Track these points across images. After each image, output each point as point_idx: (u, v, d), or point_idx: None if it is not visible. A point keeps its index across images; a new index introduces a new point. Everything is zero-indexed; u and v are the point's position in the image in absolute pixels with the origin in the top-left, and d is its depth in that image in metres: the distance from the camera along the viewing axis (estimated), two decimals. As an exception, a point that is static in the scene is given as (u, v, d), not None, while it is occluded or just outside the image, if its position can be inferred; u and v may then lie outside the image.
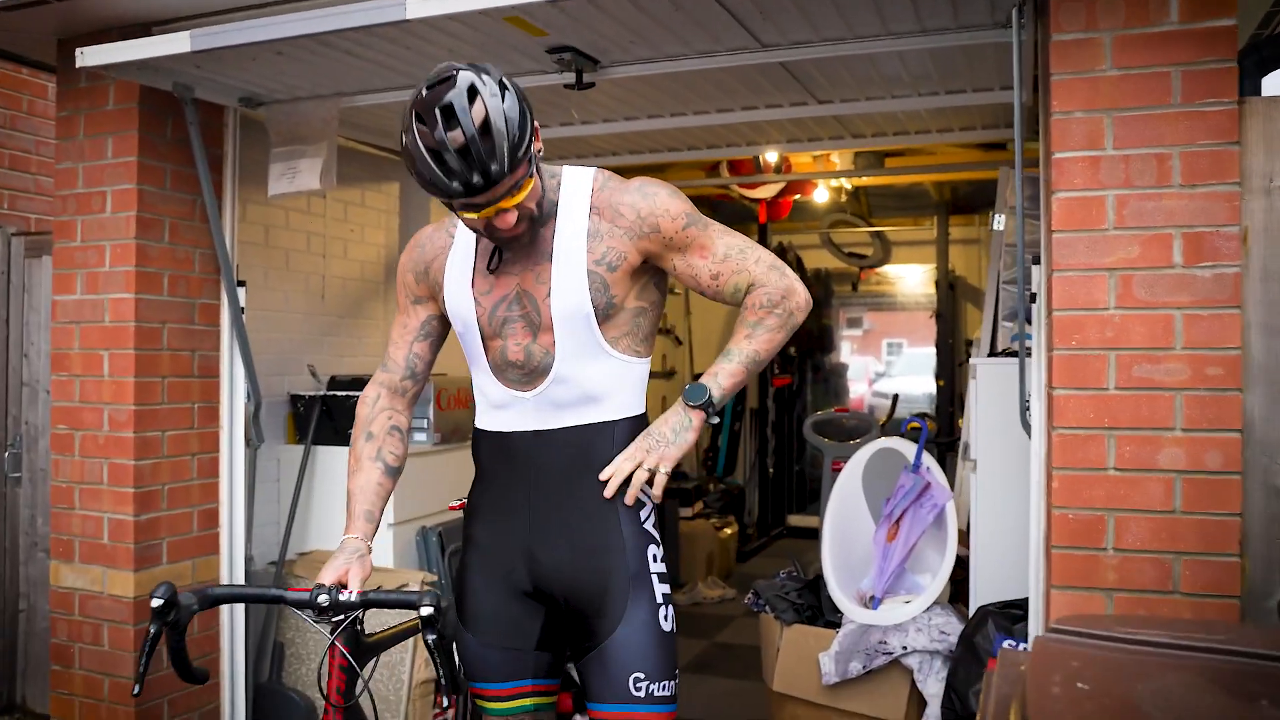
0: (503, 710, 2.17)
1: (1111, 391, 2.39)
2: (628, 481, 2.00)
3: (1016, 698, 1.10)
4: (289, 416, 4.21)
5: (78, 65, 2.81)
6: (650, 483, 2.01)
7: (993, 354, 3.79)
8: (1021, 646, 2.81)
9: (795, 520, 8.75)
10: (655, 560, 2.08)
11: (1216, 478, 2.34)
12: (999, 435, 3.24)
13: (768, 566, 5.90)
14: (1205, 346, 2.34)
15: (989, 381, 3.31)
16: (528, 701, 2.18)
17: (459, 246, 2.12)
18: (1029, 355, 2.74)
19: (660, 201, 2.01)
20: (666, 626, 2.05)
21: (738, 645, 5.48)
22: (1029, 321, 2.77)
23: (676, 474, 7.80)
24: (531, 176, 1.89)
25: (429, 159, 1.80)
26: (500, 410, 2.10)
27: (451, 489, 2.18)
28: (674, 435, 2.01)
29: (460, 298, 2.08)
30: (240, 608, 3.57)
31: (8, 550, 4.38)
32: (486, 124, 1.80)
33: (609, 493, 2.01)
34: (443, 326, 2.20)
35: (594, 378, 2.03)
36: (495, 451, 2.11)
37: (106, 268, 3.30)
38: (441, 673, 1.83)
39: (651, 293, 2.09)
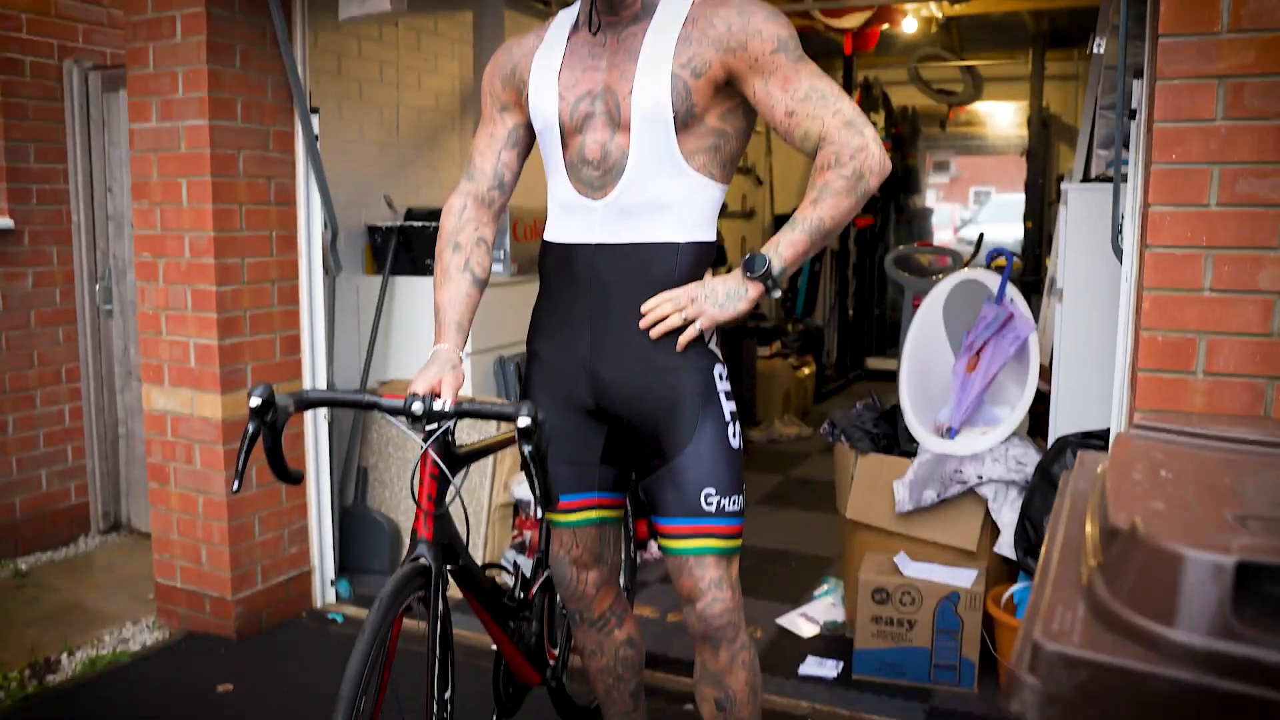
0: (570, 523, 2.21)
1: (1212, 208, 2.26)
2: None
3: (1095, 488, 1.06)
4: (366, 248, 4.24)
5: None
6: (680, 331, 1.99)
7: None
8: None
9: (874, 363, 8.70)
10: (721, 379, 2.06)
11: (1320, 300, 2.22)
12: (1088, 264, 3.13)
13: (844, 406, 5.92)
14: (1319, 159, 2.18)
15: (1080, 207, 3.17)
16: (593, 515, 2.21)
17: (547, 45, 2.08)
18: (1124, 180, 2.61)
19: (755, 21, 1.91)
20: (735, 443, 2.05)
21: (813, 480, 5.53)
22: (1126, 146, 2.63)
23: (754, 314, 7.78)
24: None
25: None
26: (568, 217, 2.06)
27: (527, 320, 2.17)
28: (725, 300, 1.96)
29: (544, 92, 2.03)
30: (325, 432, 3.67)
31: (104, 379, 4.55)
32: None
33: (643, 325, 1.99)
34: (529, 136, 2.16)
35: (666, 189, 1.97)
36: (559, 265, 2.09)
37: (180, 94, 3.29)
38: (536, 485, 1.84)
39: (737, 119, 2.01)
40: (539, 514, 1.87)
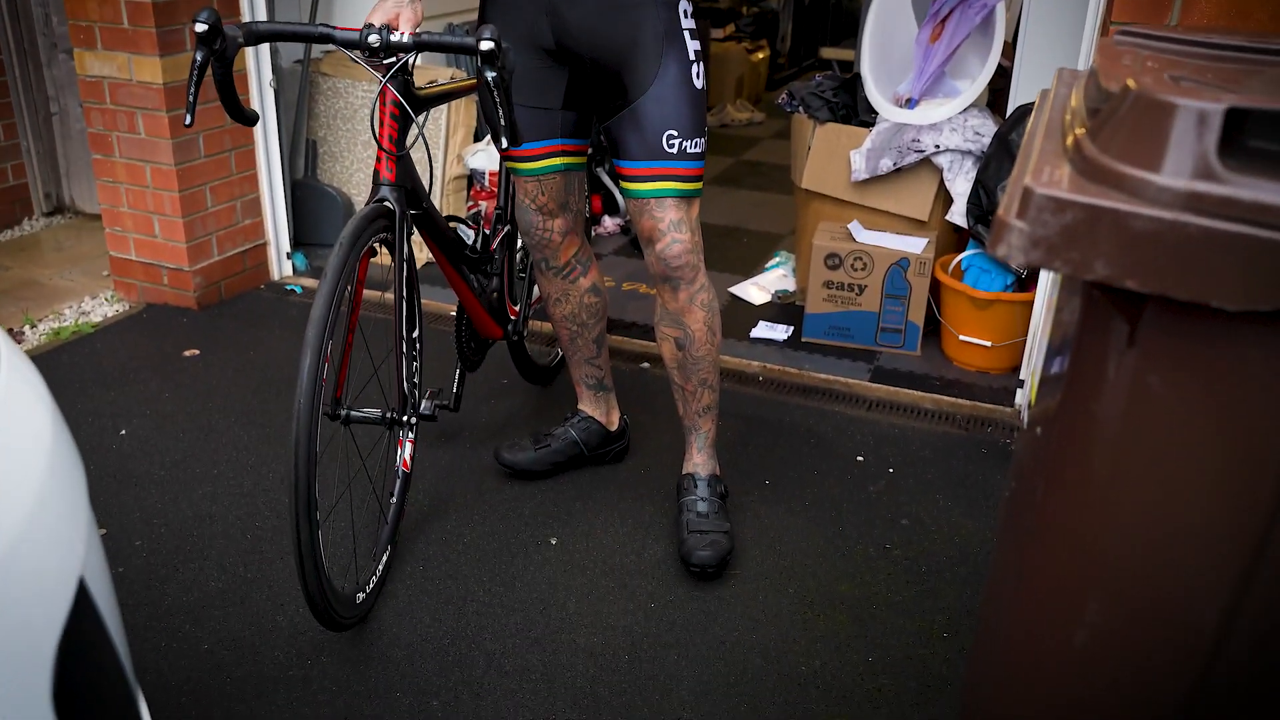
0: (535, 170, 2.20)
1: None
2: None
3: (1079, 80, 1.07)
4: (300, -98, 3.94)
5: None
6: None
7: None
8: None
9: (829, 53, 8.45)
10: (685, 15, 2.00)
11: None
12: (1064, -78, 3.01)
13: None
14: None
15: None
16: (558, 161, 2.20)
17: None
18: None
19: None
20: (698, 84, 2.02)
21: (764, 163, 5.53)
22: None
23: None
24: None
25: None
26: None
27: None
28: None
29: None
30: (271, 101, 3.55)
31: (27, 52, 4.31)
32: None
33: None
34: None
35: None
36: None
37: None
38: (501, 116, 1.80)
39: None
40: (500, 150, 1.83)
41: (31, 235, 4.34)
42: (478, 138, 3.93)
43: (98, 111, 3.41)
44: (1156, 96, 0.81)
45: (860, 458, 2.71)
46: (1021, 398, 2.97)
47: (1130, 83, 0.84)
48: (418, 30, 1.87)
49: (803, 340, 3.35)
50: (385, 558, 2.16)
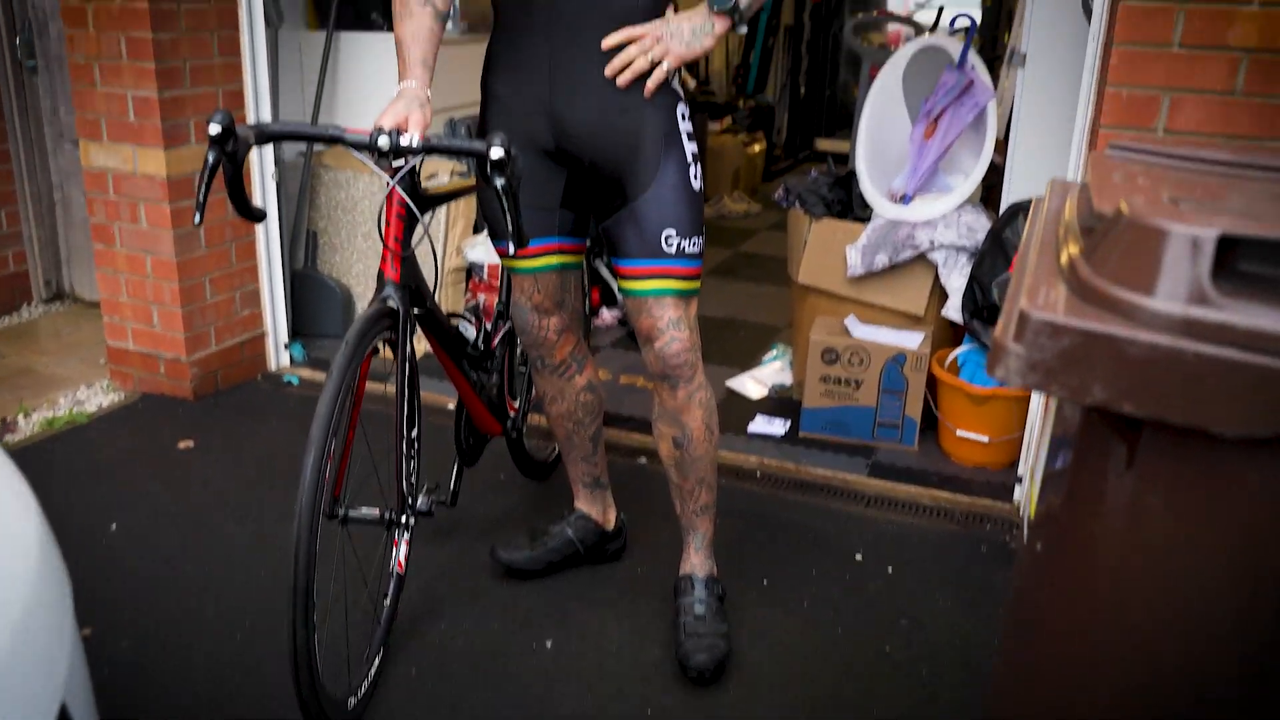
0: (532, 269, 2.21)
1: (1188, -43, 2.22)
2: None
3: (1072, 194, 1.08)
4: (309, 1, 4.03)
5: None
6: (648, 75, 1.94)
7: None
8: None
9: (824, 145, 8.61)
10: (684, 118, 2.04)
11: (1284, 55, 2.22)
12: (1052, 28, 3.09)
13: (795, 184, 5.90)
14: (1300, -95, 2.14)
15: (1050, -34, 3.10)
16: (554, 259, 2.21)
17: None
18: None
19: None
20: (696, 185, 2.04)
21: (761, 255, 5.58)
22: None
23: (704, 88, 7.60)
24: None
25: None
26: None
27: (478, 81, 2.09)
28: (691, 36, 1.92)
29: None
30: (273, 193, 3.59)
31: (34, 142, 4.37)
32: None
33: (609, 72, 1.94)
34: None
35: None
36: (515, 2, 2.00)
37: None
38: (508, 222, 1.81)
39: None
40: (505, 259, 1.84)
41: (30, 322, 4.36)
42: (477, 230, 3.97)
43: (101, 203, 3.45)
44: (1149, 222, 0.82)
45: (859, 556, 2.68)
46: (1020, 494, 2.96)
47: (1123, 206, 0.85)
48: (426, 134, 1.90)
49: (800, 435, 3.34)
50: (378, 661, 2.12)
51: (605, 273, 4.13)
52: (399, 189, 1.95)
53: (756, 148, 7.04)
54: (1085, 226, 0.99)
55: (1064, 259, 0.92)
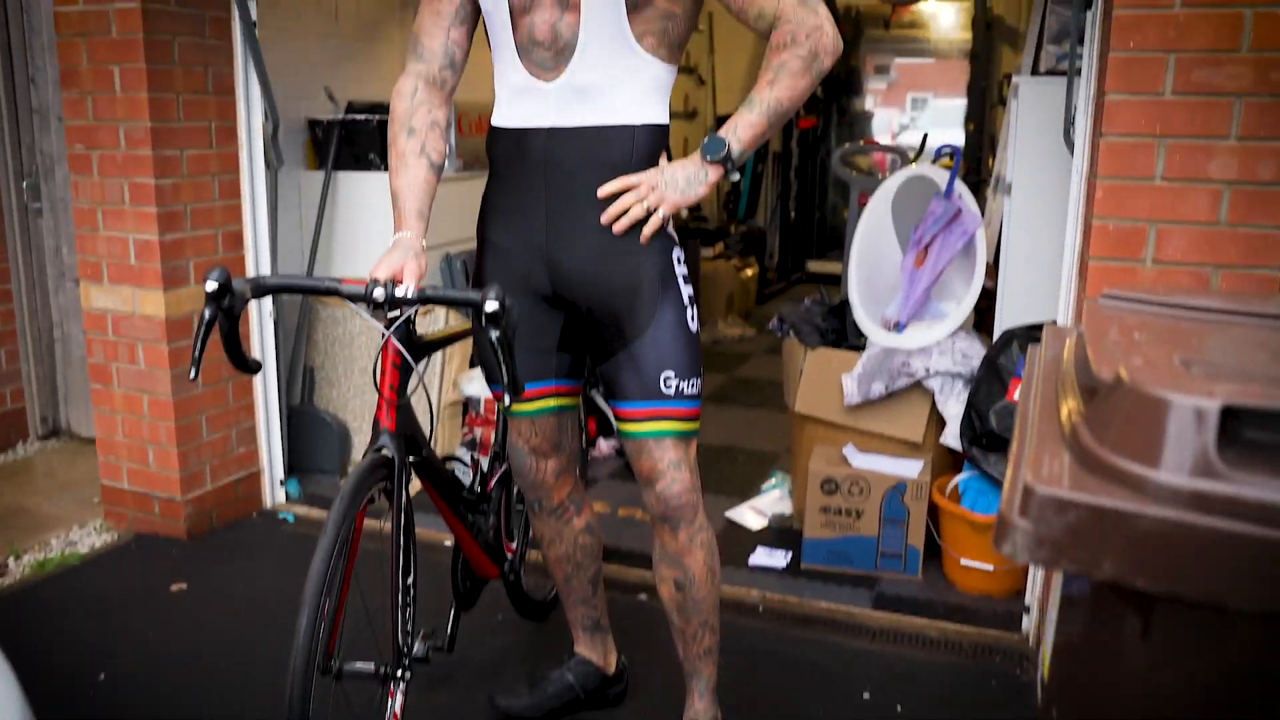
0: (529, 412, 2.21)
1: (1167, 97, 2.29)
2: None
3: (1070, 350, 1.08)
4: (307, 142, 4.12)
5: None
6: (644, 222, 1.98)
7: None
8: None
9: (815, 266, 8.75)
10: (679, 262, 2.06)
11: (1267, 190, 2.27)
12: (1037, 157, 3.16)
13: (787, 308, 5.97)
14: (1274, 48, 2.21)
15: (1032, 100, 3.19)
16: (551, 403, 2.21)
17: None
18: (1079, 73, 2.62)
19: None
20: (693, 327, 2.06)
21: (757, 379, 5.59)
22: (1080, 40, 2.64)
23: (696, 215, 7.73)
24: None
25: None
26: (519, 101, 2.01)
27: (474, 217, 2.14)
28: (685, 185, 1.96)
29: None
30: (270, 330, 3.61)
31: (36, 281, 4.42)
32: None
33: (605, 220, 1.97)
34: (475, 12, 2.07)
35: (617, 69, 1.93)
36: (510, 150, 2.04)
37: (108, -25, 3.14)
38: (504, 372, 1.82)
39: (687, 1, 1.97)
40: (501, 405, 1.84)
41: (25, 460, 4.33)
42: (473, 364, 3.98)
43: (99, 343, 3.46)
44: (1151, 392, 0.82)
45: (866, 694, 2.61)
46: (1028, 624, 2.90)
47: (1123, 372, 0.85)
48: (421, 284, 1.91)
49: (802, 567, 3.30)
50: (371, 819, 2.04)
51: (601, 403, 4.13)
52: (394, 339, 1.95)
53: (749, 271, 7.13)
54: (1085, 385, 0.99)
55: (1065, 421, 0.91)
